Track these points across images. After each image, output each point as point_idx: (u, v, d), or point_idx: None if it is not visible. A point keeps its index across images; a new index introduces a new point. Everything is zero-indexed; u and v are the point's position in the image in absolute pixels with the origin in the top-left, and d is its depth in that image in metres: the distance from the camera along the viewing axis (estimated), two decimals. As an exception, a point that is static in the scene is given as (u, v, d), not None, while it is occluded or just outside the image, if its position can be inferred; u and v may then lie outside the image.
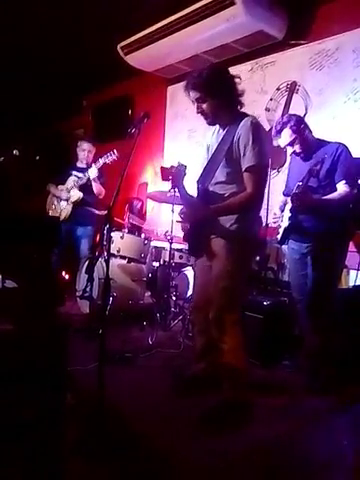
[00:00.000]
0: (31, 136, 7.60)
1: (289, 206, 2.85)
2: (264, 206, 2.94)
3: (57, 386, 1.68)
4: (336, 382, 2.76)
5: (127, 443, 2.09)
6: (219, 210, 2.42)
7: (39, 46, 5.31)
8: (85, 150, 4.73)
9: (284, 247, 3.57)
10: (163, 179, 2.59)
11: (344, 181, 2.71)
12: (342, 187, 2.72)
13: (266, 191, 2.51)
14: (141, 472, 1.90)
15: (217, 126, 2.57)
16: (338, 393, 2.72)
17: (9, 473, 1.49)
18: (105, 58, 5.12)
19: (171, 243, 3.97)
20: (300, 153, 2.90)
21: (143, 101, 6.00)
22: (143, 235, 4.45)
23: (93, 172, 4.39)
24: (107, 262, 2.40)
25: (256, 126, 2.36)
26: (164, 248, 4.26)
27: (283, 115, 3.68)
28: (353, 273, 3.45)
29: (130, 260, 4.28)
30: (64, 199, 4.60)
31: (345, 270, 3.23)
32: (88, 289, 3.76)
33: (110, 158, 4.32)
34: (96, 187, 4.52)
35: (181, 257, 4.11)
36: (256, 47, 4.43)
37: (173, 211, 3.96)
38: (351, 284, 3.43)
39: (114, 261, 4.19)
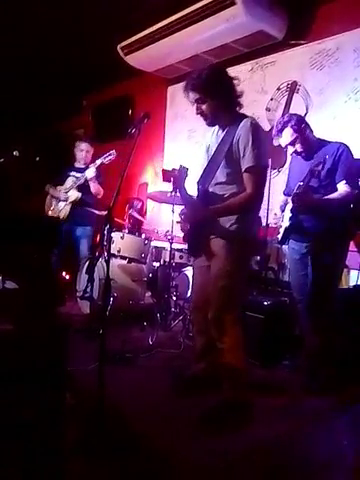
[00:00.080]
0: (31, 136, 7.60)
1: (290, 206, 2.85)
2: (264, 206, 2.95)
3: (57, 386, 1.68)
4: (336, 382, 2.76)
5: (127, 443, 2.09)
6: (219, 211, 2.42)
7: (39, 46, 5.31)
8: (83, 150, 4.73)
9: (284, 247, 3.57)
10: (164, 181, 2.60)
11: (345, 181, 2.71)
12: (343, 187, 2.72)
13: (266, 191, 2.52)
14: (141, 472, 1.90)
15: (216, 127, 2.58)
16: (338, 393, 2.72)
17: (9, 473, 1.48)
18: (105, 58, 5.13)
19: (171, 243, 3.97)
20: (301, 152, 2.90)
21: (143, 101, 6.00)
22: (143, 235, 4.45)
23: (91, 172, 4.39)
24: (107, 262, 2.40)
25: (255, 127, 2.37)
26: (164, 248, 4.26)
27: (284, 115, 3.68)
28: (353, 273, 3.45)
29: (130, 260, 4.28)
30: (62, 200, 4.60)
31: (345, 270, 3.23)
32: (88, 289, 3.77)
33: (108, 158, 4.34)
34: (94, 187, 4.53)
35: (181, 257, 4.11)
36: (256, 47, 4.43)
37: (173, 211, 3.96)
38: (351, 284, 3.43)
39: (114, 261, 4.19)
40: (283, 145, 2.95)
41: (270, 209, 3.57)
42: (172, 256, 3.99)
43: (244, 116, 2.43)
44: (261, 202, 2.48)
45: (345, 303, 3.01)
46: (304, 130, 2.85)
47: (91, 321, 3.64)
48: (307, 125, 2.88)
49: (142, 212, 5.93)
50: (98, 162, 4.36)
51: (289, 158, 3.25)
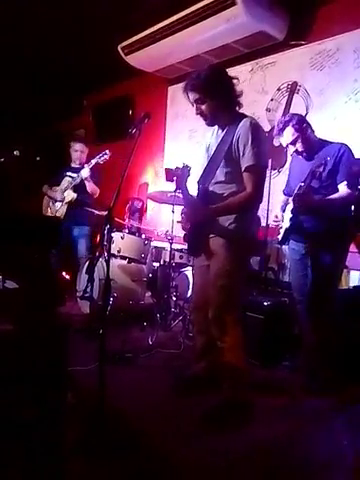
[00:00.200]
0: (31, 136, 7.60)
1: (290, 207, 2.85)
2: (264, 206, 2.95)
3: (57, 386, 1.68)
4: (336, 382, 2.75)
5: (127, 443, 2.09)
6: (219, 210, 2.43)
7: (39, 46, 5.31)
8: (77, 151, 4.76)
9: (285, 247, 3.58)
10: (167, 180, 2.60)
11: (346, 182, 2.71)
12: (344, 188, 2.72)
13: (266, 192, 2.53)
14: (141, 472, 1.90)
15: (216, 126, 2.58)
16: (338, 393, 2.72)
17: (9, 473, 1.48)
18: (105, 58, 5.13)
19: (171, 243, 3.97)
20: (302, 152, 2.89)
21: (144, 101, 6.00)
22: (143, 235, 4.46)
23: (85, 172, 4.42)
24: (107, 262, 2.40)
25: (255, 126, 2.37)
26: (164, 248, 4.26)
27: (284, 115, 3.68)
28: (353, 273, 3.46)
29: (130, 260, 4.28)
30: (59, 200, 4.62)
31: (345, 270, 3.23)
32: (89, 289, 3.77)
33: (102, 158, 4.37)
34: (89, 187, 4.55)
35: (181, 257, 4.11)
36: (257, 47, 4.43)
37: (173, 211, 3.96)
38: (352, 284, 3.44)
39: (114, 261, 4.18)
40: (284, 144, 2.95)
41: (270, 209, 3.57)
42: (172, 256, 3.99)
43: (244, 116, 2.44)
44: (261, 201, 2.49)
45: (345, 304, 3.01)
46: (305, 130, 2.84)
47: (91, 321, 3.64)
48: (308, 125, 2.88)
49: (142, 212, 5.93)
50: (93, 162, 4.41)
51: (289, 158, 3.24)
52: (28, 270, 1.99)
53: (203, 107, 2.44)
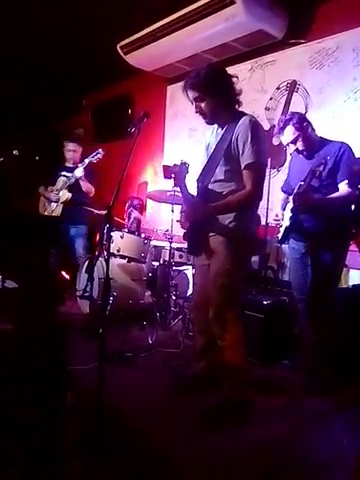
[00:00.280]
0: (31, 136, 7.60)
1: (290, 205, 2.85)
2: (264, 205, 2.95)
3: (57, 386, 1.69)
4: (335, 382, 2.75)
5: (127, 442, 2.09)
6: (218, 208, 2.42)
7: (39, 46, 5.31)
8: (70, 150, 4.75)
9: (284, 246, 3.57)
10: (165, 177, 2.59)
11: (346, 181, 2.70)
12: (344, 187, 2.71)
13: (266, 191, 2.52)
14: (141, 471, 1.90)
15: (216, 125, 2.58)
16: (338, 393, 2.71)
17: (9, 473, 1.49)
18: (105, 58, 5.12)
19: (171, 242, 3.97)
20: (303, 151, 2.88)
21: (143, 100, 6.00)
22: (143, 234, 4.45)
23: (79, 172, 4.43)
24: (107, 262, 2.40)
25: (255, 124, 2.37)
26: (164, 247, 4.26)
27: (283, 114, 3.68)
28: (353, 273, 3.46)
29: (130, 259, 4.28)
30: (54, 200, 4.62)
31: (345, 270, 3.23)
32: (88, 289, 3.76)
33: (96, 157, 4.39)
34: (84, 186, 4.56)
35: (181, 256, 4.11)
36: (256, 46, 4.43)
37: (173, 210, 3.96)
38: (351, 283, 3.44)
39: (114, 261, 4.18)
40: (285, 143, 2.94)
41: (270, 208, 3.57)
42: (172, 255, 3.99)
43: (243, 114, 2.43)
44: (260, 199, 2.49)
45: (345, 302, 3.01)
46: (306, 128, 2.84)
47: (91, 320, 3.64)
48: (309, 123, 2.87)
49: (142, 211, 5.93)
50: (86, 161, 4.42)
51: (289, 157, 3.24)
52: (28, 270, 1.99)
53: (202, 105, 2.44)
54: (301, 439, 2.22)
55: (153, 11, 4.35)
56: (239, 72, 2.60)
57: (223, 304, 2.42)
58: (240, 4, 3.77)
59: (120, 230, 4.29)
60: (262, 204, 2.59)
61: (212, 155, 2.52)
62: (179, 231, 2.82)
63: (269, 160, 3.31)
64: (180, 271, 4.30)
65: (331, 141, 2.86)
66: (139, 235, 4.41)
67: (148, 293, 4.49)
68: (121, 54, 4.96)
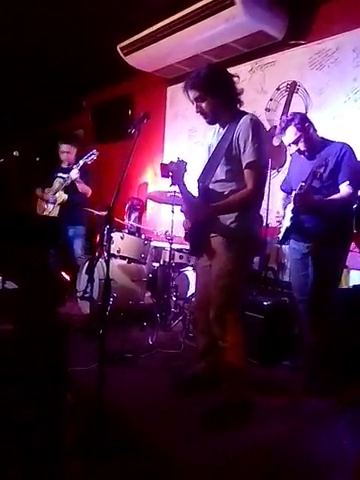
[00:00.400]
0: (31, 136, 7.60)
1: (291, 206, 2.84)
2: (264, 206, 2.94)
3: (57, 386, 1.69)
4: (335, 383, 2.75)
5: (127, 443, 2.09)
6: (220, 208, 2.41)
7: (39, 46, 5.31)
8: (64, 152, 4.76)
9: (284, 247, 3.57)
10: (163, 176, 2.57)
11: (348, 182, 2.69)
12: (345, 188, 2.70)
13: (266, 192, 2.51)
14: (141, 471, 1.90)
15: (217, 125, 2.57)
16: (338, 393, 2.71)
17: (9, 473, 1.49)
18: (105, 58, 5.13)
19: (171, 243, 3.97)
20: (304, 151, 2.87)
21: (143, 101, 6.00)
22: (143, 235, 4.45)
23: (74, 174, 4.44)
24: (107, 262, 2.39)
25: (256, 123, 2.36)
26: (164, 248, 4.26)
27: (283, 115, 3.67)
28: (353, 273, 3.45)
29: (130, 260, 4.28)
30: (51, 202, 4.62)
31: (345, 270, 3.23)
32: (88, 289, 3.77)
33: (90, 158, 4.41)
34: (80, 187, 4.56)
35: (181, 257, 4.11)
36: (256, 47, 4.43)
37: (173, 211, 3.96)
38: (352, 284, 3.43)
39: (114, 261, 4.18)
40: (286, 143, 2.94)
41: (270, 209, 3.57)
42: (172, 256, 3.99)
43: (244, 113, 2.42)
44: (262, 199, 2.47)
45: (345, 303, 3.01)
46: (308, 129, 2.83)
47: (91, 321, 3.64)
48: (311, 124, 2.86)
49: (142, 212, 5.93)
50: (81, 162, 4.43)
51: (289, 158, 3.24)
52: (28, 270, 1.99)
53: (203, 105, 2.43)
54: (302, 439, 2.22)
55: (153, 12, 4.36)
56: (239, 73, 2.59)
57: (224, 305, 2.41)
58: (240, 5, 3.78)
59: (120, 231, 4.29)
60: (262, 205, 2.58)
61: (213, 155, 2.51)
62: (179, 232, 2.81)
63: (269, 161, 3.31)
64: (180, 272, 4.29)
65: (332, 142, 2.85)
66: (139, 236, 4.41)
67: (148, 294, 4.49)
68: (121, 55, 4.97)
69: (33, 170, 6.31)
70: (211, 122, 2.54)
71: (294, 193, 2.78)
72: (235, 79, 2.46)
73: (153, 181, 6.00)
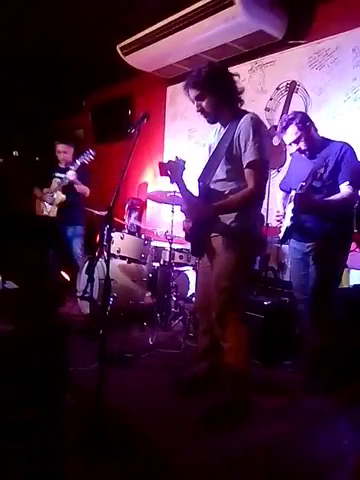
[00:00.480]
0: (31, 136, 7.60)
1: (291, 206, 2.84)
2: (264, 206, 2.93)
3: (57, 386, 1.68)
4: (336, 383, 2.75)
5: (127, 443, 2.09)
6: (220, 207, 2.39)
7: (39, 46, 5.31)
8: (60, 152, 4.74)
9: (285, 246, 3.57)
10: (161, 174, 2.56)
11: (348, 182, 2.68)
12: (345, 188, 2.69)
13: (266, 192, 2.50)
14: (141, 472, 1.90)
15: (219, 125, 2.55)
16: (339, 393, 2.71)
17: (9, 473, 1.48)
18: (105, 58, 5.13)
19: (171, 243, 3.97)
20: (305, 151, 2.86)
21: (143, 101, 6.01)
22: (143, 235, 4.45)
23: (70, 175, 4.44)
24: (107, 262, 2.39)
25: (256, 122, 2.34)
26: (164, 248, 4.26)
27: (283, 115, 3.67)
28: (354, 273, 3.45)
29: (130, 260, 4.28)
30: (49, 202, 4.62)
31: (346, 270, 3.22)
32: (88, 290, 3.77)
33: (87, 158, 4.40)
34: (78, 188, 4.57)
35: (181, 257, 4.11)
36: (255, 47, 4.43)
37: (173, 211, 3.96)
38: (352, 283, 3.43)
39: (114, 261, 4.18)
40: (287, 142, 2.92)
41: (270, 208, 3.57)
42: (172, 256, 3.99)
43: (245, 112, 2.40)
44: (263, 198, 2.46)
45: (346, 303, 3.01)
46: (309, 128, 2.82)
47: (91, 321, 3.64)
48: (312, 123, 2.85)
49: (142, 212, 5.93)
50: (78, 162, 4.42)
51: (289, 158, 3.23)
52: (28, 270, 1.99)
53: (203, 104, 2.42)
54: (302, 439, 2.22)
55: (153, 12, 4.36)
56: (239, 73, 2.60)
57: (226, 306, 2.39)
58: (239, 5, 3.78)
59: (120, 231, 4.29)
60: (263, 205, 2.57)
61: (214, 154, 2.50)
62: (179, 232, 2.80)
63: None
64: (180, 272, 4.29)
65: (333, 141, 2.84)
66: (139, 236, 4.41)
67: (148, 294, 4.49)
68: (121, 55, 4.97)
69: (33, 170, 6.32)
70: (212, 121, 2.52)
71: (294, 193, 2.78)
72: (236, 78, 2.45)
73: (153, 181, 6.00)
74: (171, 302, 4.07)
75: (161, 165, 2.54)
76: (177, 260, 4.08)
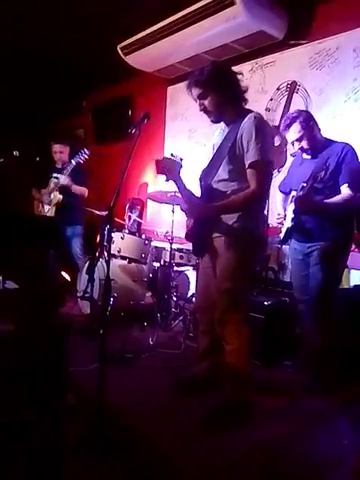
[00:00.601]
0: (31, 136, 7.59)
1: (292, 207, 2.84)
2: (265, 207, 2.93)
3: (57, 386, 1.68)
4: (337, 383, 2.75)
5: (127, 443, 2.09)
6: (222, 207, 2.37)
7: (39, 46, 5.31)
8: (56, 152, 4.74)
9: (285, 247, 3.56)
10: (158, 172, 2.54)
11: (347, 184, 2.68)
12: (346, 190, 2.68)
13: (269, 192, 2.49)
14: (141, 472, 1.90)
15: (223, 124, 2.53)
16: (339, 393, 2.71)
17: (10, 473, 1.48)
18: (105, 59, 5.13)
19: (171, 243, 3.97)
20: (307, 150, 2.85)
21: (143, 101, 6.00)
22: (143, 235, 4.45)
23: (63, 179, 4.44)
24: (108, 263, 2.39)
25: (260, 121, 2.31)
26: (165, 248, 4.26)
27: (283, 115, 3.66)
28: (354, 273, 3.45)
29: (131, 260, 4.28)
30: (46, 203, 4.62)
31: (346, 270, 3.22)
32: (89, 290, 3.77)
33: (81, 157, 4.40)
34: (74, 190, 4.56)
35: (182, 257, 4.10)
36: (256, 47, 4.43)
37: (173, 211, 3.96)
38: (352, 284, 3.43)
39: (115, 261, 4.18)
40: (289, 141, 2.91)
41: (271, 209, 3.56)
42: (172, 256, 3.99)
43: (249, 111, 2.37)
44: (266, 199, 2.45)
45: (346, 303, 3.01)
46: (312, 127, 2.80)
47: (91, 321, 3.64)
48: (315, 123, 2.84)
49: (142, 212, 5.93)
50: (73, 162, 4.42)
51: (289, 158, 3.23)
52: (28, 270, 1.99)
53: (206, 103, 2.39)
54: (303, 440, 2.22)
55: (153, 12, 4.36)
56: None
57: (228, 307, 2.37)
58: (240, 5, 3.77)
59: (121, 231, 4.29)
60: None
61: (216, 153, 2.47)
62: (180, 232, 2.80)
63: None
64: (181, 272, 4.29)
65: (335, 142, 2.83)
66: (140, 236, 4.41)
67: (149, 294, 4.49)
68: (121, 55, 4.97)
69: (33, 170, 6.32)
70: (215, 120, 2.49)
71: (295, 194, 2.78)
72: (239, 77, 2.42)
73: (153, 181, 6.00)
74: (171, 302, 4.07)
75: (158, 162, 2.52)
76: (177, 260, 4.08)
